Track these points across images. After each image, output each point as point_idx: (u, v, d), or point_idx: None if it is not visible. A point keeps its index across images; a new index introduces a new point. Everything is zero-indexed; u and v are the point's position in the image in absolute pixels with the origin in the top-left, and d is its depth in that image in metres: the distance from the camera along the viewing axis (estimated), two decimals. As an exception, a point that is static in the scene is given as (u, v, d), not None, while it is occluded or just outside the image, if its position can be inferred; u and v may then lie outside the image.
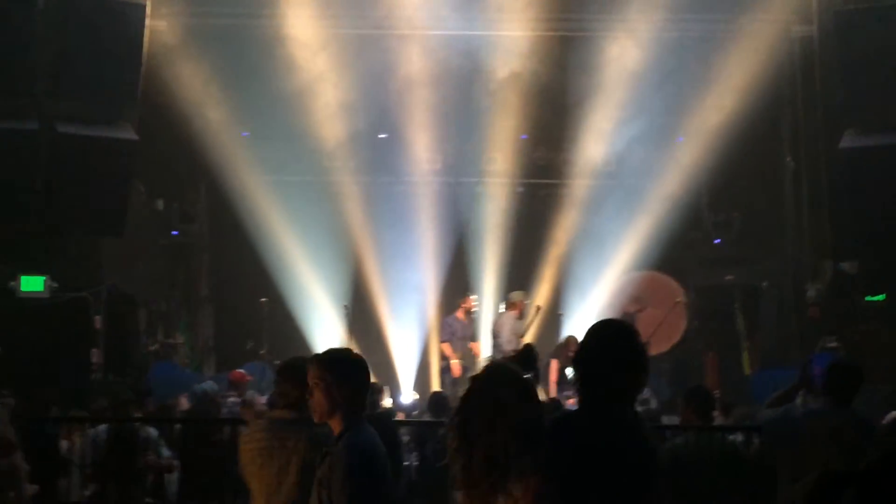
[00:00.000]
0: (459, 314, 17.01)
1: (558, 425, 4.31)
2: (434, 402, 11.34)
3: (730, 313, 18.24)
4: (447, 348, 16.51)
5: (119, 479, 9.01)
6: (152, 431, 9.34)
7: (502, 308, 17.38)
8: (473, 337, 17.28)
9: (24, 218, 13.06)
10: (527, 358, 4.31)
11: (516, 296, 17.09)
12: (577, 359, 4.44)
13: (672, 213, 18.23)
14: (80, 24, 13.35)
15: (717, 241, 18.79)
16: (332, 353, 5.38)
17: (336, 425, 5.00)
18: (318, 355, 5.25)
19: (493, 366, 4.29)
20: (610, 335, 4.41)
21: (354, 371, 5.15)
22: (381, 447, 5.05)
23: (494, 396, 4.02)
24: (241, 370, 14.66)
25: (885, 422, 6.91)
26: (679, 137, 18.31)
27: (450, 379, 16.59)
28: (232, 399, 12.58)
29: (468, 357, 16.67)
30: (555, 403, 11.26)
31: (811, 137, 16.43)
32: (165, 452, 9.34)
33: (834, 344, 15.15)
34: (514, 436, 3.96)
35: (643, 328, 16.73)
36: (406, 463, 9.76)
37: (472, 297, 17.29)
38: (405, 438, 10.01)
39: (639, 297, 18.00)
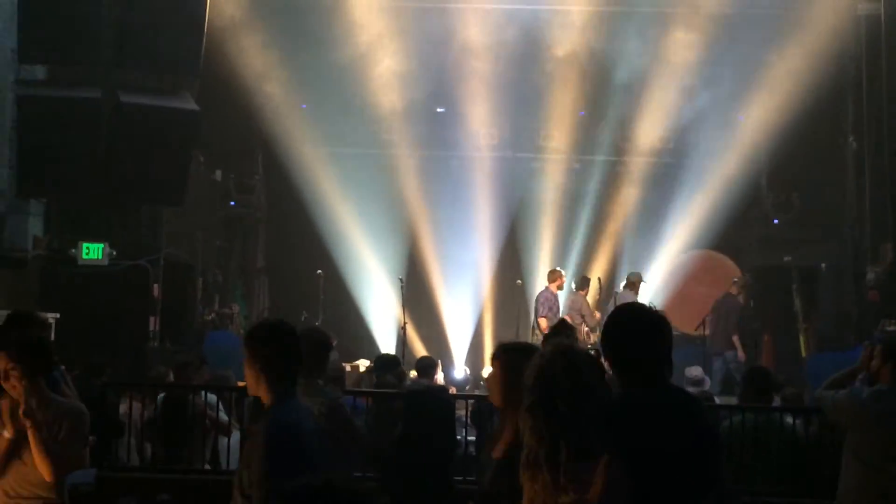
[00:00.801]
0: (553, 289, 16.59)
1: (618, 407, 4.29)
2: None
3: (787, 295, 18.07)
4: (544, 323, 16.17)
5: (174, 442, 9.10)
6: (211, 396, 9.43)
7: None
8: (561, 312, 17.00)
9: (86, 186, 13.18)
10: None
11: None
12: (604, 347, 4.44)
13: (731, 193, 18.09)
14: (143, -5, 13.44)
15: (775, 222, 18.57)
16: (257, 326, 5.24)
17: (265, 399, 4.79)
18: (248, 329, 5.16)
19: (568, 346, 4.26)
20: (627, 322, 4.43)
21: (279, 343, 4.80)
22: (310, 422, 4.87)
23: (580, 377, 4.00)
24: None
25: None
26: (740, 116, 18.12)
27: None
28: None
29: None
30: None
31: (875, 117, 16.16)
32: (224, 417, 9.42)
33: (893, 327, 14.94)
34: (597, 417, 3.95)
35: (699, 308, 16.73)
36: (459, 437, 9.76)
37: (563, 272, 16.92)
38: (461, 413, 10.01)
39: (695, 276, 17.88)
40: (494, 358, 4.94)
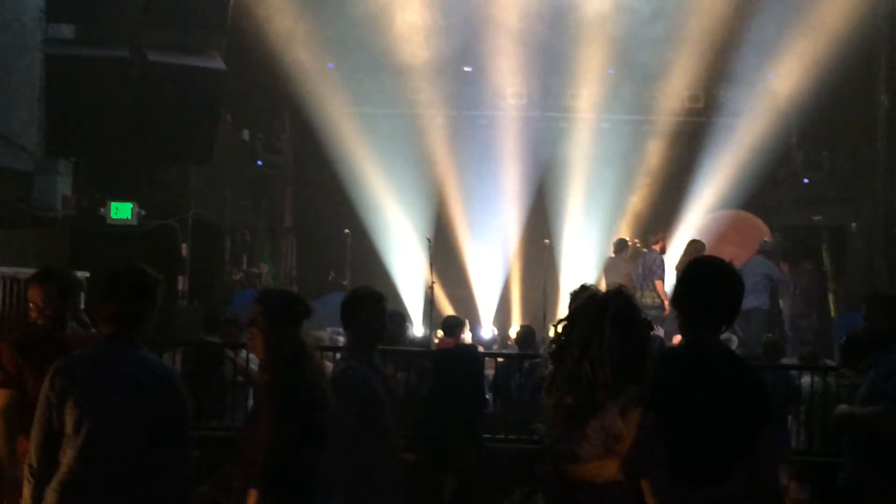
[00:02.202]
0: (658, 250, 16.28)
1: (663, 360, 4.31)
2: (524, 336, 11.18)
3: (818, 254, 17.96)
4: (661, 286, 15.82)
5: (203, 393, 9.18)
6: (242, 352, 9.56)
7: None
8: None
9: (114, 146, 13.19)
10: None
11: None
12: (676, 297, 4.49)
13: (760, 152, 17.96)
14: (170, -46, 13.39)
15: (805, 181, 18.44)
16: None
17: None
18: None
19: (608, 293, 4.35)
20: (704, 275, 4.43)
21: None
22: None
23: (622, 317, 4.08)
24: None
25: None
26: (770, 74, 17.94)
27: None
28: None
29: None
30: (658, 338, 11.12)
31: (908, 75, 15.98)
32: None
33: (924, 288, 14.86)
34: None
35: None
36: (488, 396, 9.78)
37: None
38: (489, 373, 10.02)
39: (724, 236, 17.78)
40: None
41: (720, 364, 4.28)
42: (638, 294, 15.51)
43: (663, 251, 16.27)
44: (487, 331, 18.31)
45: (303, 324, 5.15)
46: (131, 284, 4.95)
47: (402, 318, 10.75)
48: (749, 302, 15.71)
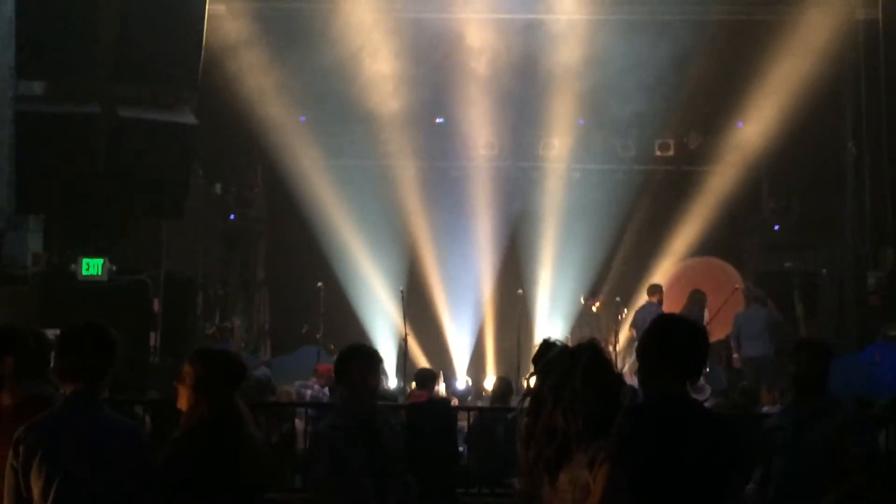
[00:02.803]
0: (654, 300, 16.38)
1: (631, 414, 4.30)
2: (501, 391, 11.07)
3: (789, 300, 18.04)
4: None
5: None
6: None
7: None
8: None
9: (85, 201, 13.18)
10: None
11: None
12: (641, 350, 4.51)
13: (731, 199, 18.10)
14: (141, 9, 13.43)
15: (776, 228, 18.57)
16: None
17: None
18: None
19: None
20: (666, 332, 4.47)
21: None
22: None
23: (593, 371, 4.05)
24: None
25: None
26: (739, 123, 18.11)
27: None
28: (316, 386, 12.71)
29: None
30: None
31: (873, 123, 16.17)
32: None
33: (894, 332, 14.95)
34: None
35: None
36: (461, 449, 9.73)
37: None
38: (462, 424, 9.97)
39: (697, 282, 17.83)
40: None
41: (687, 418, 4.30)
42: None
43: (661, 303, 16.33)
44: (461, 382, 18.24)
45: (235, 387, 5.07)
46: (93, 341, 4.89)
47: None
48: (756, 349, 15.74)
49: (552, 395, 4.05)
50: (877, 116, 15.93)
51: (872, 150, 16.37)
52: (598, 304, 16.74)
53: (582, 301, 17.39)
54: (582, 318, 17.21)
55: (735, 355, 15.98)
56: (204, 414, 4.91)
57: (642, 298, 16.90)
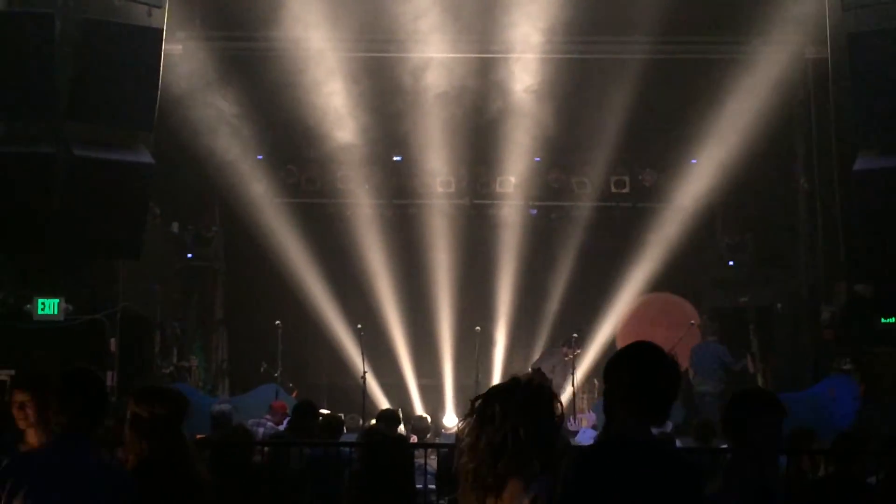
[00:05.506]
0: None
1: (579, 457, 4.16)
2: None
3: (744, 335, 18.20)
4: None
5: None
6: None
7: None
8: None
9: (41, 241, 13.10)
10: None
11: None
12: (607, 378, 4.24)
13: (686, 235, 18.26)
14: (96, 48, 13.42)
15: (731, 263, 18.76)
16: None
17: None
18: None
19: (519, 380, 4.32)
20: (631, 361, 4.21)
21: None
22: None
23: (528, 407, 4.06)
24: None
25: None
26: (692, 159, 18.31)
27: None
28: (270, 423, 12.65)
29: None
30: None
31: (825, 159, 16.40)
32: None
33: (848, 366, 15.11)
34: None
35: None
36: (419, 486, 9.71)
37: None
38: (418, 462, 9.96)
39: (653, 318, 17.98)
40: None
41: (642, 456, 4.04)
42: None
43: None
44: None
45: (176, 424, 5.07)
46: (89, 386, 4.90)
47: (312, 410, 10.68)
48: (710, 384, 15.99)
49: (497, 416, 4.07)
50: (827, 152, 16.14)
51: (824, 186, 16.59)
52: (573, 354, 16.76)
53: (563, 349, 17.33)
54: (548, 357, 17.25)
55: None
56: (144, 452, 4.91)
57: (604, 334, 17.12)
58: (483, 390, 4.37)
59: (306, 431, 9.99)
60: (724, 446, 10.52)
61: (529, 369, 15.81)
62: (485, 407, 4.13)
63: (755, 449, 4.71)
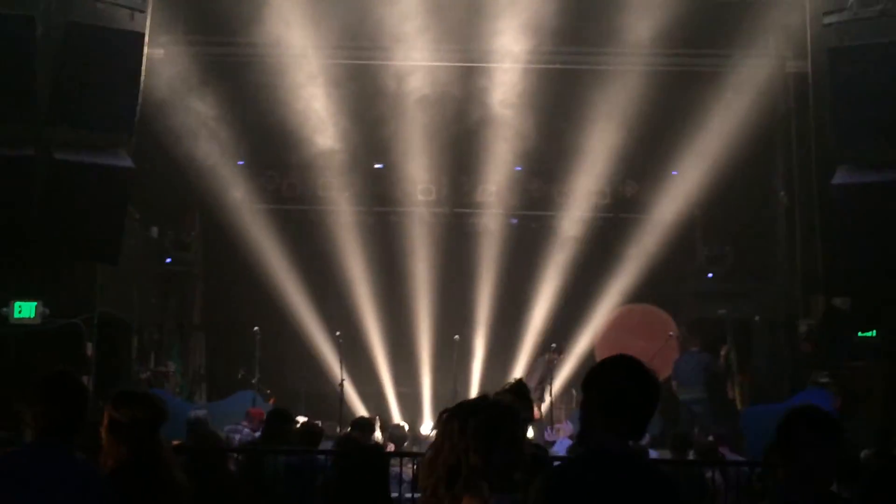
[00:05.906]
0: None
1: (553, 476, 4.14)
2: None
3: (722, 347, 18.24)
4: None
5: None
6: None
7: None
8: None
9: (19, 244, 13.03)
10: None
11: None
12: (586, 391, 4.22)
13: (666, 247, 18.30)
14: (77, 52, 13.36)
15: (710, 276, 18.82)
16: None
17: None
18: None
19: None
20: (608, 373, 4.19)
21: None
22: None
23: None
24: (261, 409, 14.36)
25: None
26: (673, 171, 18.36)
27: None
28: (247, 430, 12.63)
29: None
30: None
31: (804, 173, 16.47)
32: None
33: (825, 379, 15.14)
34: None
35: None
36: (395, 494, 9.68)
37: None
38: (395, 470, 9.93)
39: (632, 330, 18.02)
40: None
41: (619, 470, 4.01)
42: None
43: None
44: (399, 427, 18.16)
45: (153, 429, 5.04)
46: (71, 389, 4.86)
47: (285, 417, 10.66)
48: (691, 394, 16.15)
49: (455, 435, 4.06)
50: (807, 166, 16.22)
51: (803, 199, 16.65)
52: (557, 358, 16.82)
53: (548, 353, 17.35)
54: (537, 367, 17.29)
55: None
56: (122, 457, 4.89)
57: (583, 345, 17.15)
58: (461, 399, 4.36)
59: (280, 439, 9.96)
60: (695, 459, 10.61)
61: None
62: (447, 423, 4.12)
63: (808, 469, 4.50)
